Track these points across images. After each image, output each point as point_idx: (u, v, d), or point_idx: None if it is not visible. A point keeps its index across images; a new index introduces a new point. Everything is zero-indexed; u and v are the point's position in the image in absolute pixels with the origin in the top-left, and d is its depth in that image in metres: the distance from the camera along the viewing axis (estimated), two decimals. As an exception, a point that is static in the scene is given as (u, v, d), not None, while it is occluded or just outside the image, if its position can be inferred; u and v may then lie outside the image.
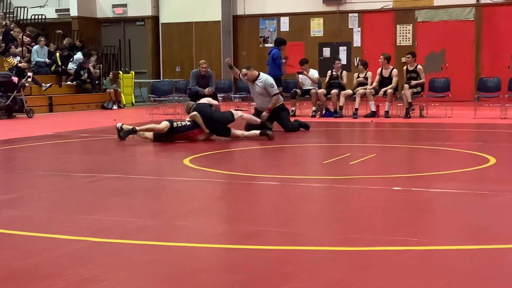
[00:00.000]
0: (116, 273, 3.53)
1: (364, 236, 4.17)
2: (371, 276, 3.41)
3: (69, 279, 3.39)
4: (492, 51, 18.90)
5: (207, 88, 13.82)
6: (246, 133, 9.98)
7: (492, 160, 7.36)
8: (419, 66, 14.17)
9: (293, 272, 3.47)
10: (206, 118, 9.66)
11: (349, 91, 14.28)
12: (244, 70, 11.04)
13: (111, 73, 19.32)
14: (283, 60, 14.68)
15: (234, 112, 10.05)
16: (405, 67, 14.31)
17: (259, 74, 10.96)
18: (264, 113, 10.70)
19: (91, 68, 19.07)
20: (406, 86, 13.67)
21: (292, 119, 11.74)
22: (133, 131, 9.52)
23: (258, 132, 9.89)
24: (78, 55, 19.24)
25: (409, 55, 14.24)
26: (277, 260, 3.72)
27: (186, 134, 9.54)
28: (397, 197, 5.53)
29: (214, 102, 10.49)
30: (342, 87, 14.41)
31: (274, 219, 4.81)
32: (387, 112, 13.77)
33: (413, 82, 13.75)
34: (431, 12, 19.41)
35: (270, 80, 10.94)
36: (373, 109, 13.91)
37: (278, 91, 11.01)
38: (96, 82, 19.14)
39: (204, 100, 10.33)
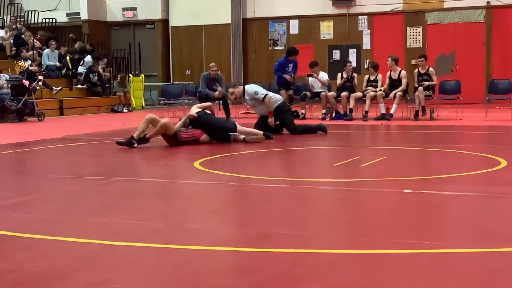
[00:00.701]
0: (127, 276, 3.53)
1: (374, 239, 4.16)
2: (382, 279, 3.40)
3: (80, 282, 3.40)
4: (503, 53, 18.82)
5: (217, 91, 13.82)
6: (248, 137, 9.89)
7: (504, 163, 7.32)
8: (431, 69, 14.19)
9: (305, 275, 3.47)
10: (208, 125, 9.66)
11: (359, 94, 14.28)
12: (230, 89, 10.95)
13: (119, 76, 19.39)
14: (291, 75, 14.63)
15: (238, 125, 10.01)
16: (416, 70, 14.30)
17: (244, 88, 10.89)
18: (270, 120, 10.68)
19: (101, 71, 19.14)
20: (421, 89, 13.64)
21: (302, 122, 11.72)
22: (144, 140, 9.46)
23: (261, 133, 9.90)
24: (88, 59, 19.33)
25: (422, 58, 14.24)
26: (288, 262, 3.71)
27: (192, 133, 9.52)
28: (407, 199, 5.51)
29: (206, 104, 10.36)
30: (352, 90, 14.40)
31: (285, 221, 4.80)
32: (391, 114, 13.75)
33: (426, 84, 13.76)
34: (441, 14, 19.36)
35: (252, 88, 10.85)
36: (383, 111, 13.89)
37: (266, 92, 10.89)
38: (106, 85, 19.21)
39: (194, 108, 9.99)
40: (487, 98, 14.89)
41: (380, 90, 14.02)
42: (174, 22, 21.93)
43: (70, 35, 21.22)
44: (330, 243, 4.15)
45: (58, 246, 4.11)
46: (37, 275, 3.54)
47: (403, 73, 14.17)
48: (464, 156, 8.39)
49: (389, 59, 14.24)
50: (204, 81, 14.20)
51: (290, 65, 14.62)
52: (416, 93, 13.74)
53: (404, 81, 14.00)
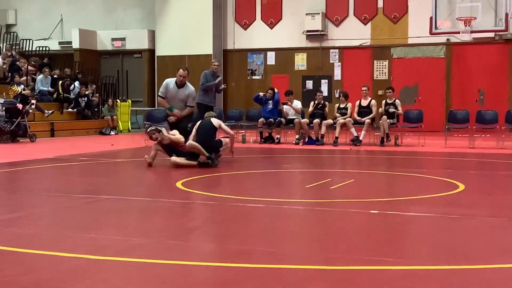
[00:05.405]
0: (113, 289, 3.50)
1: (344, 256, 4.17)
2: (351, 293, 3.41)
3: (69, 294, 3.36)
4: (461, 85, 19.11)
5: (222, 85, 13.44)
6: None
7: (462, 187, 7.40)
8: (397, 101, 14.38)
9: (279, 289, 3.46)
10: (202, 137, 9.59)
11: (330, 121, 14.38)
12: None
13: (109, 99, 19.37)
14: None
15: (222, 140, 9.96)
16: (384, 101, 14.46)
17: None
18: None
19: (90, 97, 19.05)
20: (384, 117, 13.83)
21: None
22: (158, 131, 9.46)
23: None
24: (77, 84, 19.26)
25: (389, 90, 14.49)
26: (263, 277, 3.70)
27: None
28: (374, 220, 5.54)
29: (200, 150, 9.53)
30: (324, 117, 14.50)
31: (261, 239, 4.79)
32: (360, 140, 13.86)
33: (392, 110, 13.97)
34: (406, 49, 19.63)
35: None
36: (355, 134, 13.97)
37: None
38: (95, 109, 19.13)
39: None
40: (446, 126, 15.08)
41: (349, 117, 14.15)
42: (159, 52, 21.95)
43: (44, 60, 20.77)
44: (303, 259, 4.15)
45: (47, 260, 4.06)
46: (28, 287, 3.49)
47: (374, 102, 14.38)
48: (425, 180, 8.46)
49: (365, 88, 14.46)
50: (205, 78, 13.64)
51: (270, 102, 14.92)
52: (381, 121, 13.90)
53: (375, 109, 14.20)
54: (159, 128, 9.58)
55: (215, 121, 9.82)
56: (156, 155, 9.54)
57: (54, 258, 4.10)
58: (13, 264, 3.98)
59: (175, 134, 9.55)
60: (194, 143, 9.31)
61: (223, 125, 9.91)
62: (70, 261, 4.02)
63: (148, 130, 9.62)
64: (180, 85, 10.41)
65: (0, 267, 3.91)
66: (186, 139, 9.67)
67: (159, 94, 10.72)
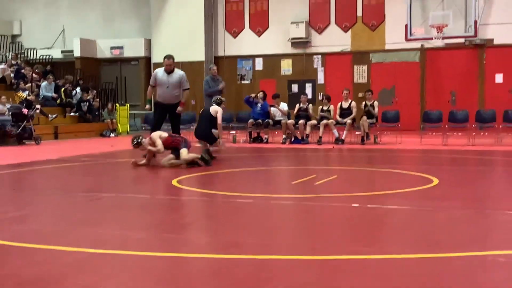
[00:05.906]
0: (114, 280, 3.48)
1: (329, 246, 4.18)
2: (336, 281, 3.41)
3: (72, 285, 3.34)
4: (435, 87, 19.18)
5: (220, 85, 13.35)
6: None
7: (435, 181, 7.43)
8: (376, 102, 14.44)
9: (268, 278, 3.46)
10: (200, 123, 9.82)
11: (314, 122, 14.40)
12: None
13: (109, 104, 19.31)
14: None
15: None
16: (363, 102, 14.53)
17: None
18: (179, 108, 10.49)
19: (91, 101, 18.97)
20: (364, 118, 13.87)
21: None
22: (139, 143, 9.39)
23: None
24: (78, 90, 19.17)
25: (369, 93, 14.58)
26: (254, 267, 3.70)
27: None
28: (356, 212, 5.55)
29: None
30: (308, 118, 14.52)
31: (252, 232, 4.79)
32: (342, 140, 13.90)
33: (371, 108, 14.07)
34: (383, 54, 19.68)
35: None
36: (337, 135, 14.02)
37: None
38: (96, 113, 19.05)
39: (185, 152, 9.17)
40: (421, 126, 15.14)
41: (332, 119, 14.19)
42: (155, 59, 21.83)
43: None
44: (291, 250, 4.15)
45: (52, 254, 4.03)
46: (33, 280, 3.47)
47: (354, 103, 14.44)
48: (402, 175, 8.49)
49: (346, 92, 14.57)
50: (207, 84, 13.62)
51: (259, 105, 14.91)
52: (361, 121, 13.94)
53: (355, 110, 14.25)
54: (139, 140, 9.48)
55: (213, 109, 9.83)
56: (151, 156, 9.48)
57: (57, 252, 4.08)
58: (20, 258, 3.95)
59: (156, 141, 9.34)
60: (187, 157, 9.15)
61: (219, 113, 9.87)
62: (74, 254, 4.00)
63: (132, 144, 9.56)
64: (169, 71, 10.50)
65: (5, 261, 3.89)
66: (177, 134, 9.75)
67: (150, 83, 10.84)
